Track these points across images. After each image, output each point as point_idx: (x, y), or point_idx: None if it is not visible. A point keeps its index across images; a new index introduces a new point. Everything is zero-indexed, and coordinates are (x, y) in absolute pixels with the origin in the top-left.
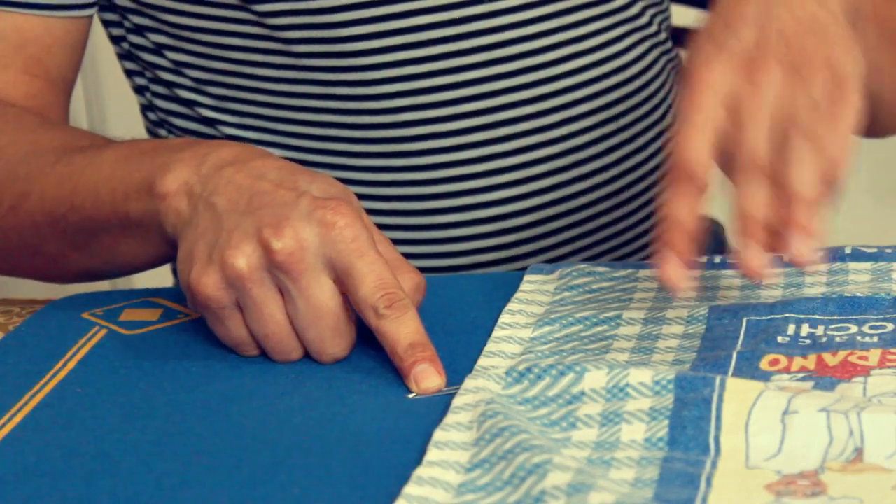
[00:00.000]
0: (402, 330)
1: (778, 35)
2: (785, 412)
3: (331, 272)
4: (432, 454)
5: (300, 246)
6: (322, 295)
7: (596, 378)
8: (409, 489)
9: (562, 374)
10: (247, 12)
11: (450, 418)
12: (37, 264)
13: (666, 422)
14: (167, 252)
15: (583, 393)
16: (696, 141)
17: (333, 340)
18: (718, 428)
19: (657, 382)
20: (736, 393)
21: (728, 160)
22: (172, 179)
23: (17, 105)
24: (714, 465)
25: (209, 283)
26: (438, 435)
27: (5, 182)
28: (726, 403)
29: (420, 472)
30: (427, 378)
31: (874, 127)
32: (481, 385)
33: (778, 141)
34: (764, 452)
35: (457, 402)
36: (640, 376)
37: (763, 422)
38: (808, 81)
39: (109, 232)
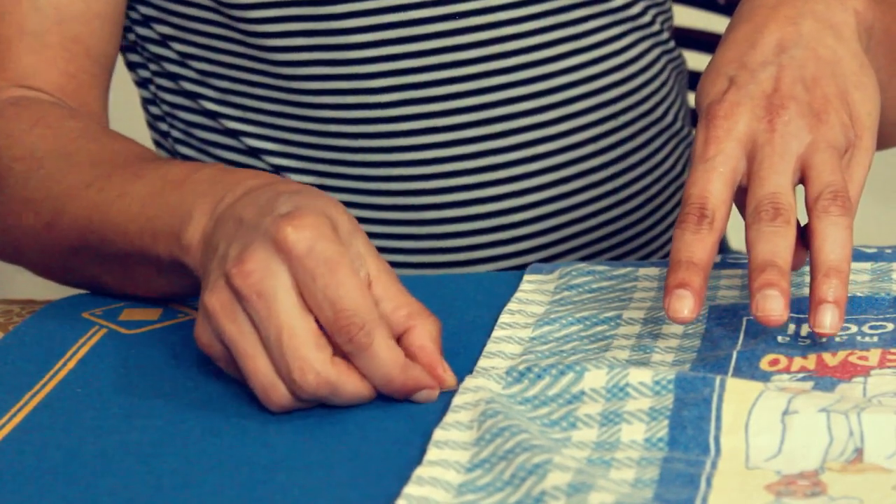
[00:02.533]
0: (375, 366)
1: (797, 78)
2: (785, 412)
3: (298, 295)
4: (432, 454)
5: (257, 267)
6: (281, 314)
7: (596, 377)
8: (410, 489)
9: (562, 373)
10: (226, 6)
11: (450, 417)
12: (72, 279)
13: (666, 422)
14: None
15: (583, 392)
16: (714, 182)
17: (295, 363)
18: (718, 428)
19: (657, 382)
20: (736, 393)
21: (746, 202)
22: (193, 230)
23: (55, 91)
24: (714, 465)
25: (202, 336)
26: (438, 434)
27: (43, 196)
28: (726, 403)
29: (420, 471)
30: (426, 398)
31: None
32: (481, 384)
33: (796, 184)
34: (764, 452)
35: (457, 401)
36: (640, 376)
37: (763, 422)
38: (828, 125)
39: (142, 265)
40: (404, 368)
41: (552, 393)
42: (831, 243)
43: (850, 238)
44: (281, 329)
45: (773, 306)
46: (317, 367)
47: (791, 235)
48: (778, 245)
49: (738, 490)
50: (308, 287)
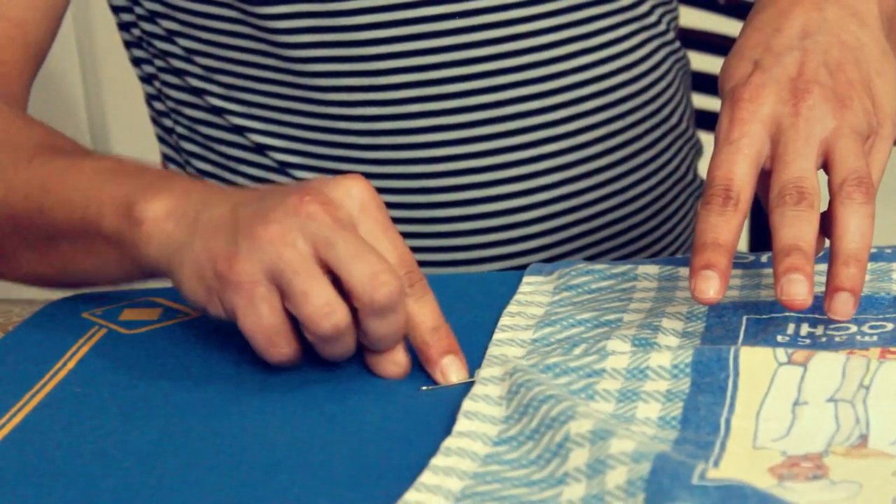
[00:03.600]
0: (428, 311)
1: (822, 63)
2: (795, 402)
3: None
4: (461, 424)
5: (330, 200)
6: (357, 236)
7: (618, 360)
8: (437, 460)
9: (586, 353)
10: (244, 3)
11: (478, 389)
12: None
13: (681, 404)
14: (129, 274)
15: (604, 370)
16: (738, 163)
17: (378, 269)
18: (731, 412)
19: (675, 366)
20: (749, 378)
21: (770, 186)
22: (155, 206)
23: None
24: (723, 445)
25: (245, 267)
26: (468, 405)
27: None
28: (740, 391)
29: (448, 442)
30: (455, 372)
31: None
32: (507, 352)
33: (819, 167)
34: (772, 434)
35: (484, 373)
36: (659, 359)
37: (774, 411)
38: (851, 111)
39: (74, 242)
40: (447, 324)
41: (574, 365)
42: (853, 232)
43: (872, 226)
44: (360, 244)
45: (798, 290)
46: (396, 277)
47: (815, 219)
48: (802, 229)
49: (745, 473)
50: (375, 234)
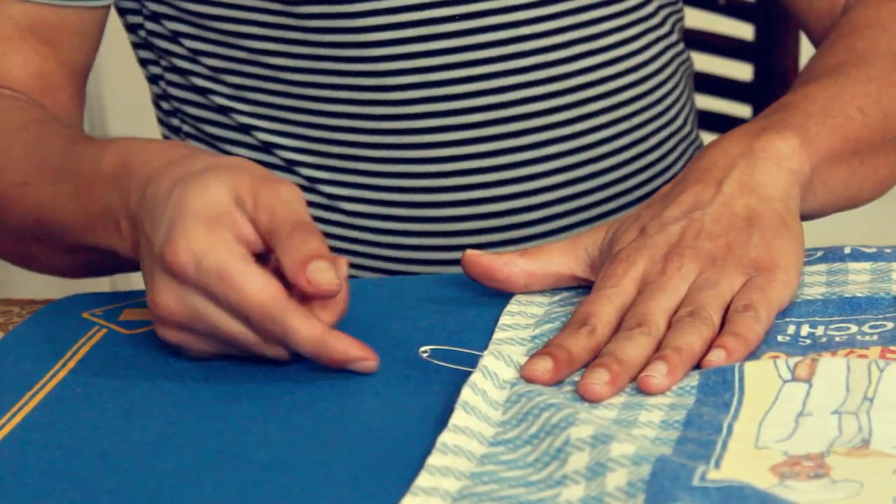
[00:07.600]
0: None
1: (702, 231)
2: (800, 414)
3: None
4: (459, 417)
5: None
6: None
7: None
8: (433, 459)
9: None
10: (267, 0)
11: (478, 379)
12: (28, 264)
13: (684, 412)
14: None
15: None
16: (603, 304)
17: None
18: (735, 419)
19: (681, 387)
20: (754, 396)
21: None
22: (126, 222)
23: (25, 90)
24: (725, 445)
25: (160, 302)
26: (466, 394)
27: None
28: (745, 408)
29: (444, 437)
30: (321, 271)
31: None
32: (507, 351)
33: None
34: (774, 437)
35: (486, 362)
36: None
37: (777, 419)
38: (720, 269)
39: (90, 252)
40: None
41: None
42: (675, 337)
43: (700, 342)
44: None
45: (596, 380)
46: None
47: (644, 343)
48: (626, 346)
49: (745, 472)
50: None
